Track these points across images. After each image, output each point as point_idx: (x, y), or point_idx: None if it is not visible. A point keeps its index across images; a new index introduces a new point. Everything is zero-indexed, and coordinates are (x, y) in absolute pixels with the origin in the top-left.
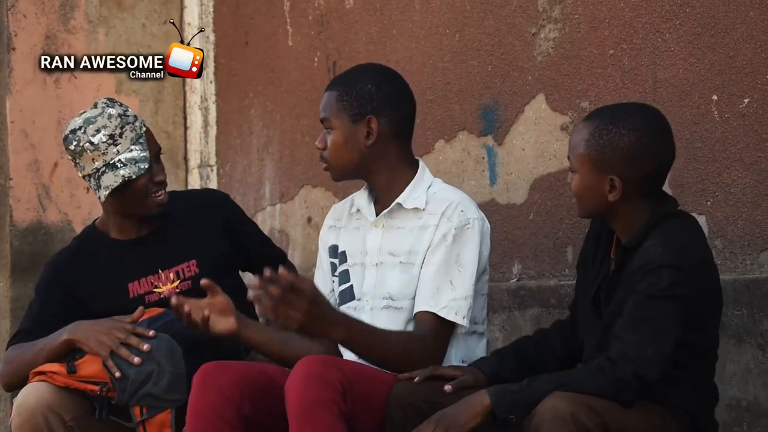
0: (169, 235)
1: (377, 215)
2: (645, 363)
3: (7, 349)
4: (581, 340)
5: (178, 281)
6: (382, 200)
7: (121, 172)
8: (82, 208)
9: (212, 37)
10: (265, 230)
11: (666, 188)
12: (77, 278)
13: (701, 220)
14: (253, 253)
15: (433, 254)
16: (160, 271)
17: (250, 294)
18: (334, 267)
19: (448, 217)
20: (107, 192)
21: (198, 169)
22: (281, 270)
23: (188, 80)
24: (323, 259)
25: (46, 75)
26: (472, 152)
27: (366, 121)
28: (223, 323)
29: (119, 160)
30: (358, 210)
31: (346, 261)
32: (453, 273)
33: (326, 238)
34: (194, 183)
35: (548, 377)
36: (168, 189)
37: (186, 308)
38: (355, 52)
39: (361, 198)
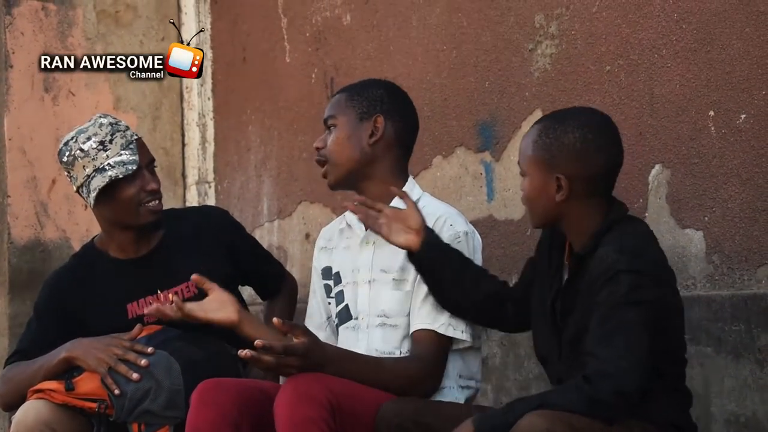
0: (168, 254)
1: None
2: (622, 376)
3: (4, 368)
4: (541, 357)
5: None
6: None
7: (109, 173)
8: (80, 225)
9: (210, 54)
10: (263, 246)
11: (663, 204)
12: (76, 298)
13: (699, 235)
14: (252, 269)
15: None
16: (159, 292)
17: (243, 353)
18: (328, 289)
19: (438, 232)
20: (95, 194)
21: (196, 185)
22: (275, 321)
23: (186, 97)
24: (317, 284)
25: (44, 92)
26: (469, 168)
27: (373, 120)
28: (223, 313)
29: (108, 163)
30: (349, 226)
31: (341, 281)
32: None
33: (318, 261)
34: (192, 199)
35: (528, 399)
36: (166, 206)
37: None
38: (352, 69)
39: (352, 214)
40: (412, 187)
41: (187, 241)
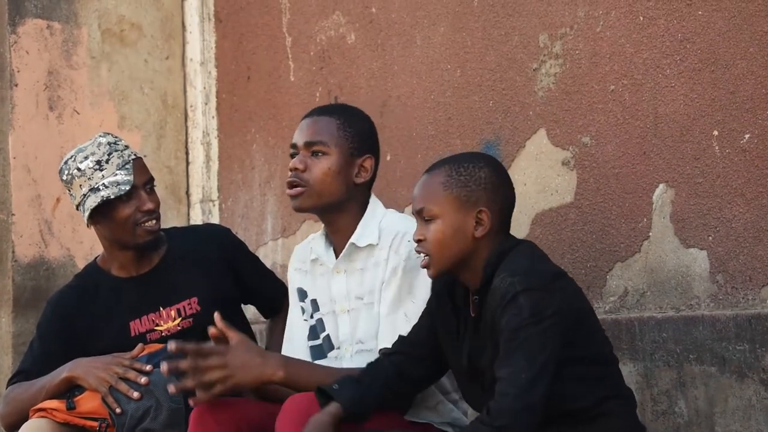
0: (170, 272)
1: (337, 258)
2: (522, 389)
3: (6, 388)
4: (473, 407)
5: (180, 319)
6: (340, 243)
7: (101, 193)
8: (84, 243)
9: (214, 73)
10: (267, 265)
11: (668, 223)
12: (79, 316)
13: (702, 255)
14: (254, 287)
15: (387, 290)
16: (161, 309)
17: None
18: (302, 311)
19: (395, 249)
20: (88, 214)
21: (200, 203)
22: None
23: (190, 115)
24: (295, 305)
25: (49, 111)
26: None
27: (362, 159)
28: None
29: (103, 183)
30: (317, 258)
31: (318, 309)
32: (406, 305)
33: (294, 280)
34: (196, 218)
35: None
36: (170, 224)
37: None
38: (356, 88)
39: (318, 245)
40: (374, 208)
41: (189, 258)
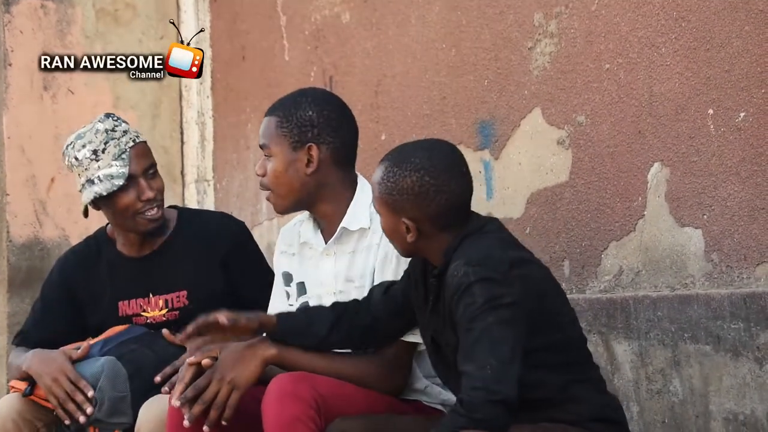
0: (169, 259)
1: (326, 243)
2: (490, 383)
3: (13, 346)
4: (450, 389)
5: (166, 310)
6: (329, 227)
7: (95, 188)
8: (78, 223)
9: (209, 52)
10: (262, 245)
11: (662, 202)
12: (80, 282)
13: (697, 233)
14: (247, 297)
15: (381, 275)
16: (150, 295)
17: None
18: (287, 295)
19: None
20: (83, 208)
21: (195, 184)
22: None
23: (185, 95)
24: (280, 288)
25: (43, 91)
26: (468, 166)
27: (306, 149)
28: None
29: (98, 176)
30: (306, 242)
31: (305, 293)
32: None
33: (279, 263)
34: (191, 198)
35: None
36: (166, 205)
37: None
38: (351, 67)
39: (306, 228)
40: (362, 190)
41: (189, 248)
